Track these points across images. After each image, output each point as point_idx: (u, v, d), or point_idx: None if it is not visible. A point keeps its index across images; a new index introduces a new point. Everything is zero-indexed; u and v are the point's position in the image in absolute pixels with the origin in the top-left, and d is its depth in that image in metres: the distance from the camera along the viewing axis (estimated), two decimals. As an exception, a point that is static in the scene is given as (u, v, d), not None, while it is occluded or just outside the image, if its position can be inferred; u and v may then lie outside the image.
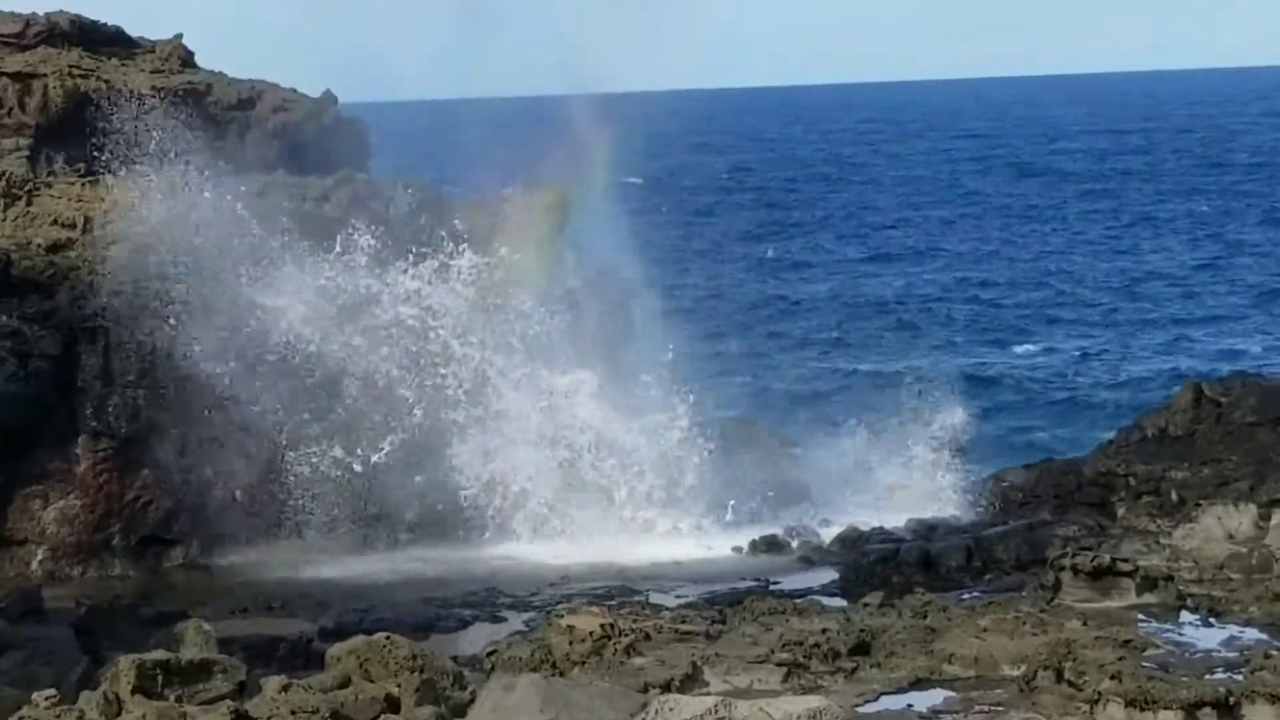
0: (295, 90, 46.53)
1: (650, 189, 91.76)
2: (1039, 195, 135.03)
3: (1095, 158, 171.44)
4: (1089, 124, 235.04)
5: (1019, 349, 70.96)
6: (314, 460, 38.21)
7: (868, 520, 38.96)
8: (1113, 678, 20.71)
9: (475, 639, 29.98)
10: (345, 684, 17.06)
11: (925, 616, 25.09)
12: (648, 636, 24.13)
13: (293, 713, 15.94)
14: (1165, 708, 20.09)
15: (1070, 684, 21.19)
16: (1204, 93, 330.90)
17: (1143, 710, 20.18)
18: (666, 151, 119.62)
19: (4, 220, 39.36)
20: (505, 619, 32.49)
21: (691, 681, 22.16)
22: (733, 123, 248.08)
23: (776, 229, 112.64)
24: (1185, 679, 21.04)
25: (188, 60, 45.99)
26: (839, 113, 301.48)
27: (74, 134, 42.87)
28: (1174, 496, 36.78)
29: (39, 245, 38.52)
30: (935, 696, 21.87)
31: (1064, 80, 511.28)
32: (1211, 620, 25.24)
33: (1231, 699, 20.27)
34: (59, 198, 39.82)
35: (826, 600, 30.40)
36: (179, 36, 46.02)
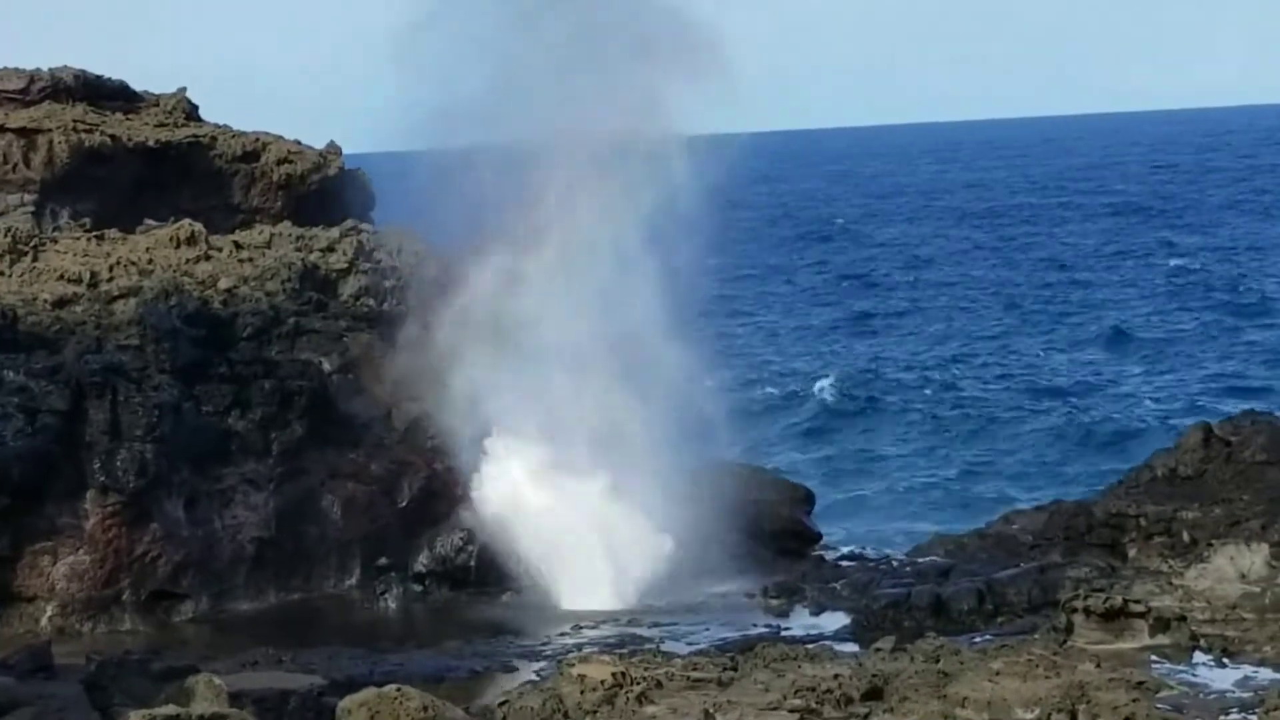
0: (300, 142, 46.62)
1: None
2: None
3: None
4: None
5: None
6: None
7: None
8: (1126, 719, 20.61)
9: (486, 689, 29.89)
10: (356, 737, 17.02)
11: (938, 660, 24.95)
12: (659, 684, 24.00)
13: (304, 766, 15.88)
14: (1180, 749, 20.00)
15: (1084, 727, 21.07)
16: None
17: (1158, 752, 20.09)
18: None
19: (10, 276, 39.42)
20: (516, 668, 32.41)
21: (704, 729, 22.04)
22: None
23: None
24: (1200, 720, 20.96)
25: (192, 113, 46.08)
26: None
27: (79, 189, 42.96)
28: (1185, 537, 36.60)
29: (45, 300, 38.54)
30: (949, 741, 21.74)
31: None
32: (1225, 661, 25.16)
33: (1247, 739, 20.18)
34: (65, 253, 39.87)
35: (838, 645, 30.30)
36: (183, 90, 46.13)
